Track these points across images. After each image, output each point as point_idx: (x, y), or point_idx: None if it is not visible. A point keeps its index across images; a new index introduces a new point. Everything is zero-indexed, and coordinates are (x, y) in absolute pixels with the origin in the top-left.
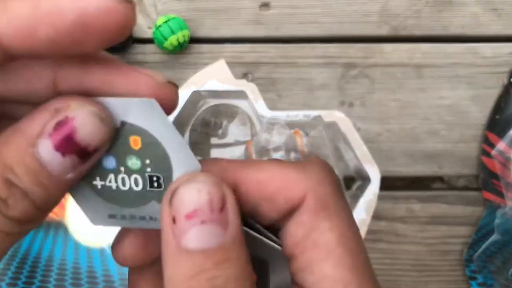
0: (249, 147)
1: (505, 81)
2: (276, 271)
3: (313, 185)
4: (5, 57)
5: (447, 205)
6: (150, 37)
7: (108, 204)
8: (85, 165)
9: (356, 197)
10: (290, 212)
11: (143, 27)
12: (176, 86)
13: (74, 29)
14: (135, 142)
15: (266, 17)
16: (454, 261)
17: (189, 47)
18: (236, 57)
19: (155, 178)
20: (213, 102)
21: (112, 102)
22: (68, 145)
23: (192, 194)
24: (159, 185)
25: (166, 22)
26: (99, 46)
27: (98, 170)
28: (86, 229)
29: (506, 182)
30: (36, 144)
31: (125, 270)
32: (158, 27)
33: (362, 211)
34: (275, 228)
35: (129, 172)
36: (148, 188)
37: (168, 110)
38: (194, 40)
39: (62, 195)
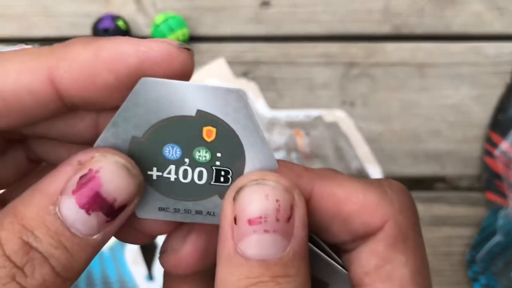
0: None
1: (508, 80)
2: None
3: (395, 213)
4: (61, 106)
5: (450, 206)
6: (149, 36)
7: (161, 196)
8: (113, 225)
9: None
10: (364, 236)
11: (142, 26)
12: (191, 50)
13: (134, 75)
14: (209, 133)
15: (266, 16)
16: (456, 262)
17: (188, 46)
18: (236, 56)
19: (223, 173)
20: None
21: (191, 87)
22: (93, 200)
23: (259, 199)
24: (225, 180)
25: (165, 20)
26: None
27: (157, 159)
28: None
29: (509, 183)
30: (58, 202)
31: (124, 273)
32: (157, 26)
33: None
34: (338, 249)
35: (194, 164)
36: (212, 182)
37: (185, 77)
38: (194, 38)
39: (87, 261)
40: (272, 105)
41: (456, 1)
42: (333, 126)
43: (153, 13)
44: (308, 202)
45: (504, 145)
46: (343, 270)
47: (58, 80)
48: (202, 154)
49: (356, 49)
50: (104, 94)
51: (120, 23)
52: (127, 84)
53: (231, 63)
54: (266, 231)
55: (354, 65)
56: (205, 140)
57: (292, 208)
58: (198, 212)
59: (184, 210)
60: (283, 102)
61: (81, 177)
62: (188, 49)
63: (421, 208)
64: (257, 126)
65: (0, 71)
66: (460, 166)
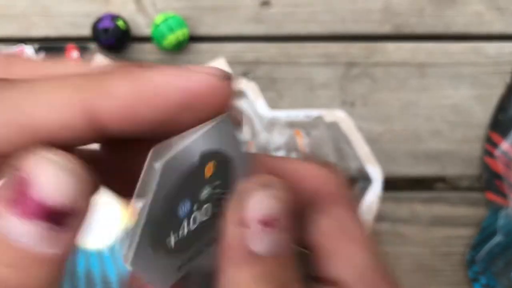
0: (249, 147)
1: (509, 80)
2: None
3: (344, 185)
4: (100, 136)
5: (450, 206)
6: (149, 36)
7: (178, 257)
8: (68, 233)
9: (358, 198)
10: (321, 202)
11: (142, 26)
12: (232, 79)
13: (175, 110)
14: (209, 169)
15: (266, 15)
16: (456, 262)
17: (188, 45)
18: (236, 56)
19: (223, 196)
20: None
21: (193, 140)
22: (31, 208)
23: (267, 200)
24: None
25: (165, 20)
26: (196, 124)
27: (172, 223)
28: (83, 232)
29: (509, 183)
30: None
31: (124, 273)
32: (157, 26)
33: (364, 212)
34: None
35: (200, 205)
36: (216, 210)
37: (226, 107)
38: (194, 38)
39: (51, 277)
40: (272, 105)
41: (456, 1)
42: (333, 126)
43: (153, 13)
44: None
45: (504, 145)
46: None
47: (96, 116)
48: (205, 192)
49: (356, 49)
50: (144, 128)
51: (120, 23)
52: (169, 120)
53: (231, 63)
54: (274, 229)
55: (355, 65)
56: (207, 177)
57: (292, 205)
58: (209, 244)
59: (197, 251)
60: (283, 102)
61: (15, 183)
62: (229, 78)
63: (421, 208)
64: (241, 142)
65: (31, 102)
66: (460, 166)
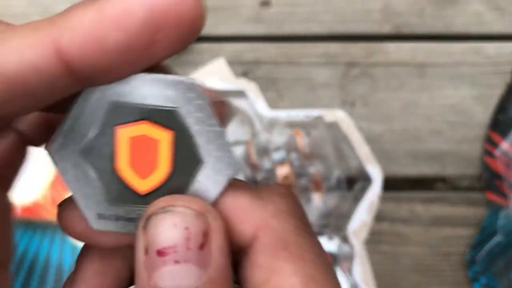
0: (249, 147)
1: (509, 80)
2: None
3: (268, 218)
4: (72, 83)
5: (450, 206)
6: None
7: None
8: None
9: (358, 198)
10: (243, 247)
11: None
12: None
13: (145, 29)
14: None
15: (266, 15)
16: (456, 262)
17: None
18: (236, 55)
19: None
20: None
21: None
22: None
23: (166, 229)
24: None
25: None
26: (172, 49)
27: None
28: None
29: (510, 183)
30: None
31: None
32: None
33: (364, 212)
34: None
35: None
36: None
37: (197, 27)
38: None
39: None
40: (272, 105)
41: (456, 1)
42: (333, 126)
43: None
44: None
45: (504, 145)
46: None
47: (64, 52)
48: None
49: (356, 49)
50: (117, 57)
51: None
52: (140, 41)
53: (231, 63)
54: (176, 261)
55: (355, 65)
56: None
57: (206, 234)
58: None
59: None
60: (283, 102)
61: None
62: None
63: (421, 208)
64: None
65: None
66: (461, 166)
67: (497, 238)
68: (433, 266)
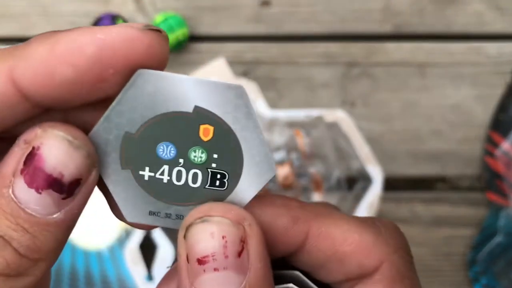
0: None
1: (509, 80)
2: None
3: (390, 253)
4: (30, 108)
5: (450, 206)
6: None
7: (152, 199)
8: (74, 202)
9: (358, 198)
10: (360, 277)
11: None
12: (160, 32)
13: (94, 66)
14: (206, 132)
15: (266, 15)
16: (457, 262)
17: (188, 45)
18: (236, 55)
19: (219, 176)
20: None
21: (189, 82)
22: (40, 178)
23: (204, 238)
24: (221, 184)
25: (165, 20)
26: (122, 83)
27: (149, 158)
28: (83, 232)
29: (510, 183)
30: (11, 184)
31: (124, 272)
32: (157, 25)
33: (364, 212)
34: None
35: (190, 165)
36: (206, 186)
37: (155, 63)
38: (194, 38)
39: (56, 241)
40: (273, 105)
41: (456, 1)
42: (334, 126)
43: (153, 12)
44: (305, 242)
45: (505, 145)
46: None
47: (18, 80)
48: (198, 155)
49: (356, 49)
50: (66, 89)
51: (120, 22)
52: (89, 77)
53: (231, 63)
54: (216, 269)
55: (355, 65)
56: (202, 139)
57: (243, 241)
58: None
59: (176, 215)
60: (283, 102)
61: (27, 156)
62: (157, 30)
63: (421, 208)
64: (257, 126)
65: None
66: (461, 166)
67: (498, 238)
68: (434, 266)
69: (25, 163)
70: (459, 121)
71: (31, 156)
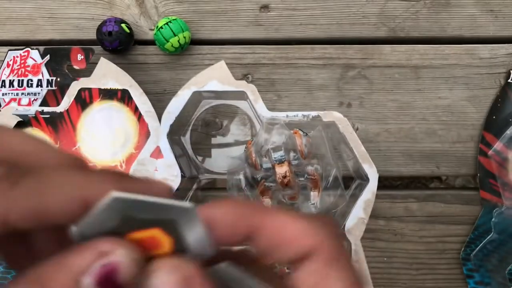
0: (249, 147)
1: (502, 81)
2: None
3: (325, 238)
4: (8, 231)
5: (445, 204)
6: (151, 39)
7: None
8: None
9: (354, 197)
10: (302, 259)
11: (145, 29)
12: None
13: (71, 211)
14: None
15: (265, 19)
16: (451, 259)
17: (189, 48)
18: (236, 58)
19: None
20: (213, 102)
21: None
22: (108, 285)
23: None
24: None
25: (167, 23)
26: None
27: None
28: None
29: (503, 182)
30: (81, 281)
31: None
32: (159, 29)
33: (361, 210)
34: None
35: None
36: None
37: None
38: (195, 41)
39: None
40: (271, 106)
41: (451, 5)
42: (331, 127)
43: (156, 16)
44: (253, 233)
45: (498, 145)
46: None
47: (6, 218)
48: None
49: (353, 52)
50: (50, 222)
51: (124, 26)
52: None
53: (232, 66)
54: None
55: (351, 67)
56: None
57: (187, 279)
58: None
59: None
60: (282, 103)
61: (103, 265)
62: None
63: (416, 207)
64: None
65: (52, 196)
66: (455, 166)
67: (491, 236)
68: (428, 263)
69: (102, 269)
70: (453, 122)
71: (107, 266)
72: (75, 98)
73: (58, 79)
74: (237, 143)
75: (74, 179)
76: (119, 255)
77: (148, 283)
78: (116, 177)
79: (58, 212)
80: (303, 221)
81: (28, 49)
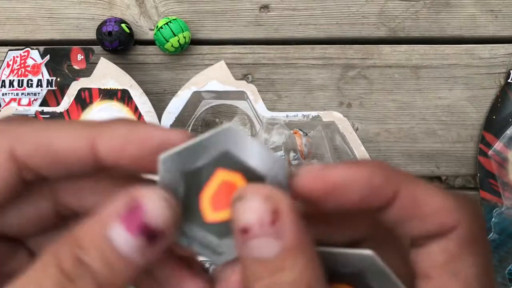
0: None
1: (502, 81)
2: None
3: (468, 218)
4: (94, 168)
5: None
6: (151, 39)
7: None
8: (153, 250)
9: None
10: (438, 235)
11: (145, 29)
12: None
13: (153, 152)
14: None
15: (265, 19)
16: None
17: (189, 48)
18: (236, 58)
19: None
20: (213, 102)
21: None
22: (138, 226)
23: (241, 214)
24: None
25: (167, 23)
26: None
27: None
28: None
29: (503, 182)
30: (110, 227)
31: None
32: (159, 29)
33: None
34: (411, 244)
35: None
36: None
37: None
38: (195, 41)
39: (126, 281)
40: (272, 106)
41: (451, 5)
42: (331, 126)
43: (156, 16)
44: (394, 199)
45: (498, 145)
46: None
47: (98, 148)
48: None
49: (353, 52)
50: (130, 162)
51: (124, 26)
52: (147, 158)
53: (232, 66)
54: (255, 236)
55: (351, 67)
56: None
57: (276, 212)
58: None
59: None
60: (282, 104)
61: (130, 207)
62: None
63: None
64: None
65: (57, 134)
66: (455, 166)
67: (491, 236)
68: None
69: (128, 211)
70: (453, 122)
71: (135, 207)
72: (75, 98)
73: (58, 79)
74: None
75: (80, 123)
76: (147, 199)
77: (235, 207)
78: (127, 123)
79: (65, 150)
80: (447, 195)
81: (28, 49)
